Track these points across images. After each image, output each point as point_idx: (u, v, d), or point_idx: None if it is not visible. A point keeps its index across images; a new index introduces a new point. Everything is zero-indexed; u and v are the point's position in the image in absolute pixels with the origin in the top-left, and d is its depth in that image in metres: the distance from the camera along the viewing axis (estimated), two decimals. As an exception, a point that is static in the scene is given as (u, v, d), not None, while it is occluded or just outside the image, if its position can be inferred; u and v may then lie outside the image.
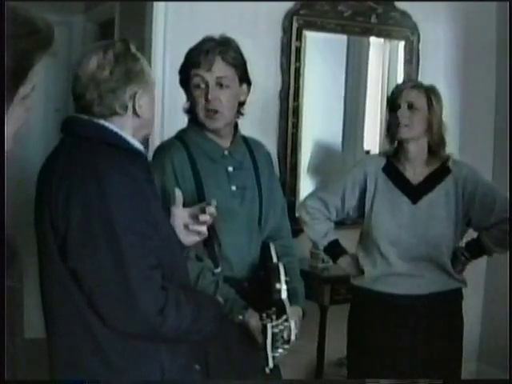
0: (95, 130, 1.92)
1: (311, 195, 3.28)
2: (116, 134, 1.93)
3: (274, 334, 2.29)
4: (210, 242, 2.43)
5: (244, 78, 2.57)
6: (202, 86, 2.49)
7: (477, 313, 4.76)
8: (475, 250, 3.12)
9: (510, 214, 2.99)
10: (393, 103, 3.01)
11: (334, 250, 3.23)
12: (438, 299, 3.04)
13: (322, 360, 4.16)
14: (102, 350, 1.87)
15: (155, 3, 3.89)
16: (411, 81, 3.10)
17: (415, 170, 3.03)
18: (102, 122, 1.93)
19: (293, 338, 2.32)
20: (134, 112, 1.95)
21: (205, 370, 2.32)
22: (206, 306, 2.02)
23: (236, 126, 2.63)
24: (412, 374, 2.98)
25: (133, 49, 1.99)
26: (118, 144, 1.92)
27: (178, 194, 2.19)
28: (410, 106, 2.96)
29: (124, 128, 1.95)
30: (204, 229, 2.17)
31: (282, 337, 2.31)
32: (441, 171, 3.04)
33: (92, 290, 1.82)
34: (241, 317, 2.42)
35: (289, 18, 4.20)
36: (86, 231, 1.80)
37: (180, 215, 2.16)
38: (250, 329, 2.41)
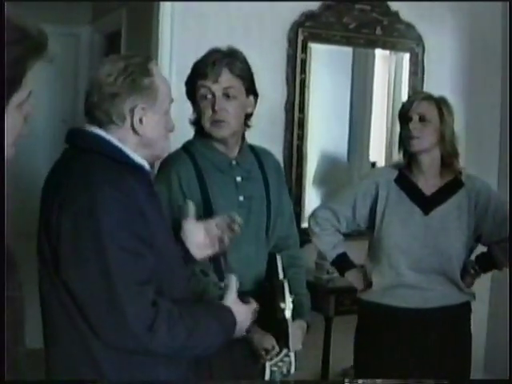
0: (95, 142, 1.92)
1: (322, 206, 3.26)
2: (115, 147, 1.91)
3: (272, 372, 2.26)
4: (217, 254, 2.43)
5: (251, 90, 2.57)
6: (209, 96, 2.48)
7: (482, 323, 4.76)
8: (486, 263, 3.10)
9: (510, 219, 2.98)
10: (404, 116, 3.00)
11: (342, 262, 3.20)
12: (448, 313, 3.02)
13: (326, 371, 4.16)
14: (97, 362, 1.86)
15: (162, 15, 3.91)
16: (421, 93, 3.09)
17: (428, 182, 3.02)
18: (102, 133, 1.92)
19: (292, 371, 2.30)
20: (132, 126, 1.92)
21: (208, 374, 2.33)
22: (207, 320, 1.96)
23: (243, 136, 2.64)
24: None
25: (150, 65, 1.97)
26: (117, 157, 1.91)
27: (192, 207, 2.19)
28: (422, 118, 2.94)
29: (126, 142, 1.93)
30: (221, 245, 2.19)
31: (282, 372, 2.28)
32: (454, 184, 3.02)
33: (82, 303, 1.81)
34: (245, 332, 2.40)
35: (294, 30, 4.22)
36: (75, 245, 1.80)
37: (193, 229, 2.16)
38: (253, 344, 2.40)
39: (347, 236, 3.23)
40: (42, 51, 1.34)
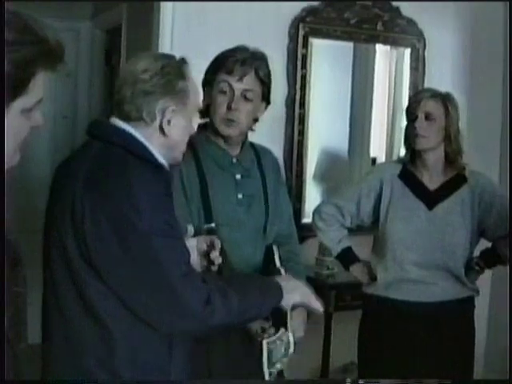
0: (122, 137, 1.92)
1: (326, 201, 3.29)
2: (142, 144, 1.92)
3: (270, 351, 2.22)
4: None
5: (266, 96, 2.57)
6: (228, 93, 2.47)
7: (483, 319, 4.75)
8: (490, 259, 3.11)
9: (509, 215, 2.98)
10: (410, 113, 3.01)
11: (347, 257, 3.21)
12: (451, 307, 3.03)
13: (327, 366, 4.16)
14: (112, 361, 1.86)
15: (162, 10, 3.90)
16: (428, 90, 3.09)
17: (432, 177, 3.03)
18: (130, 129, 1.92)
19: (291, 351, 2.25)
20: (161, 126, 1.93)
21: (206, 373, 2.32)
22: (251, 284, 2.04)
23: (245, 134, 2.63)
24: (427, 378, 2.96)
25: (185, 69, 1.99)
26: (142, 155, 1.90)
27: (190, 230, 2.22)
28: (428, 117, 2.95)
29: (151, 141, 1.93)
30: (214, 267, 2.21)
31: (280, 351, 2.23)
32: (457, 179, 3.03)
33: (135, 302, 1.82)
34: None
35: (295, 25, 4.21)
36: (120, 246, 1.78)
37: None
38: (251, 333, 2.39)
39: (352, 231, 3.25)
40: (55, 59, 1.32)
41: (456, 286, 3.02)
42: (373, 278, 3.11)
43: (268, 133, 4.01)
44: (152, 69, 1.94)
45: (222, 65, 2.49)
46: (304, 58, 4.25)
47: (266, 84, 2.54)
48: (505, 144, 4.75)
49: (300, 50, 4.23)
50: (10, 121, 1.26)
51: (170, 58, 2.01)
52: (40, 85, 1.30)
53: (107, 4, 5.24)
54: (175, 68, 1.97)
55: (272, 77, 2.58)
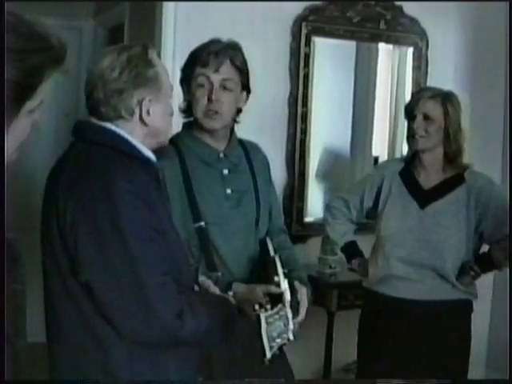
0: (105, 136, 1.90)
1: (335, 196, 3.38)
2: (126, 140, 1.91)
3: (268, 324, 2.19)
4: (207, 248, 2.43)
5: (245, 85, 2.57)
6: (207, 86, 2.47)
7: (485, 320, 4.75)
8: (485, 263, 3.08)
9: (510, 217, 2.96)
10: (409, 113, 3.01)
11: (350, 250, 3.27)
12: (443, 308, 3.02)
13: (329, 365, 4.15)
14: (110, 362, 1.85)
15: (165, 9, 3.90)
16: (428, 90, 3.08)
17: (430, 177, 3.04)
18: (112, 127, 1.91)
19: (290, 327, 2.22)
20: (141, 118, 1.92)
21: (207, 371, 2.31)
22: (219, 305, 2.04)
23: (232, 129, 2.62)
24: (418, 377, 2.97)
25: (150, 54, 1.95)
26: (128, 151, 1.90)
27: (219, 276, 2.26)
28: (426, 117, 2.95)
29: (133, 134, 1.92)
30: None
31: (279, 326, 2.21)
32: (454, 180, 3.03)
33: (107, 302, 1.79)
34: (230, 292, 2.34)
35: (298, 23, 4.21)
36: (96, 245, 1.78)
37: None
38: (248, 311, 2.30)
39: (361, 229, 3.30)
40: (61, 62, 1.34)
41: (445, 287, 3.00)
42: (367, 273, 3.15)
43: (271, 131, 4.03)
44: (118, 65, 1.90)
45: (196, 59, 2.50)
46: (306, 56, 4.25)
47: (243, 72, 2.53)
48: (507, 143, 4.74)
49: (303, 49, 4.23)
50: (19, 122, 1.29)
51: (132, 47, 1.97)
52: (44, 87, 1.32)
53: (110, 2, 5.24)
54: (141, 57, 1.93)
55: (248, 66, 2.56)
